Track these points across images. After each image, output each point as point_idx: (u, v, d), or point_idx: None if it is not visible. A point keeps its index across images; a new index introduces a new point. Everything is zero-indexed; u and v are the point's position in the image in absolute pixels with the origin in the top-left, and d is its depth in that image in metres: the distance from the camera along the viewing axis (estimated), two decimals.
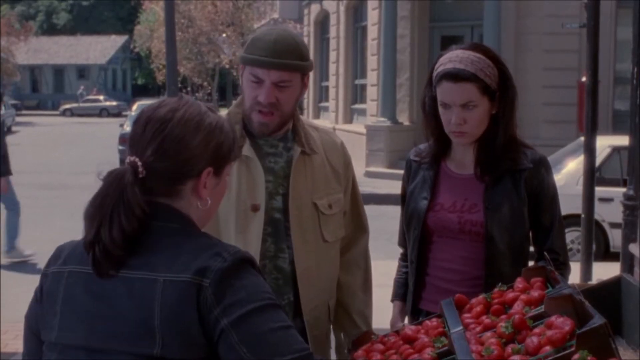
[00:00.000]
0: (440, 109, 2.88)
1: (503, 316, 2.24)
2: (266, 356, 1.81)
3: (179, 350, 1.82)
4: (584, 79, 14.56)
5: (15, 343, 7.54)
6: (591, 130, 8.17)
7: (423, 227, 3.00)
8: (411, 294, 3.10)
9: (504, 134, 2.89)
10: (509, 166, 2.88)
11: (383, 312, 7.61)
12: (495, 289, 2.43)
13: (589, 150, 8.18)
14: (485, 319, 2.26)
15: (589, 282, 8.12)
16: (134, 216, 1.90)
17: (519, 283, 2.40)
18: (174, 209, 1.98)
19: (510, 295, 2.35)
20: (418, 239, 3.02)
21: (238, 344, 1.81)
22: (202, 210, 2.04)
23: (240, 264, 1.89)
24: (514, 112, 2.93)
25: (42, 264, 9.18)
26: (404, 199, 3.16)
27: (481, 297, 2.41)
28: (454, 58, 2.85)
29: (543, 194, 2.90)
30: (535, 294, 2.28)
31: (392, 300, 3.28)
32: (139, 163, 1.96)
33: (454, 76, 2.82)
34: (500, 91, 2.87)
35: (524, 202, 2.86)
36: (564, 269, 2.85)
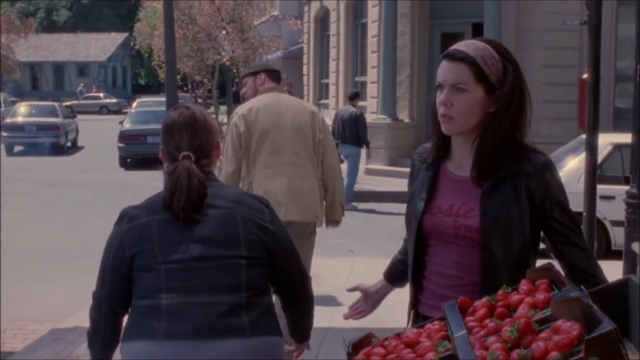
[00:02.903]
0: (437, 93, 2.81)
1: (507, 320, 2.17)
2: (303, 261, 3.39)
3: (255, 251, 3.09)
4: (584, 76, 14.55)
5: (13, 342, 7.50)
6: (593, 127, 8.10)
7: (419, 230, 2.92)
8: (411, 296, 3.03)
9: (492, 133, 2.73)
10: (509, 171, 2.74)
11: (385, 310, 7.54)
12: (500, 291, 2.36)
13: (591, 148, 8.11)
14: (489, 323, 2.19)
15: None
16: (201, 183, 3.07)
17: (524, 285, 2.33)
18: (211, 172, 3.25)
19: (515, 297, 2.28)
20: (414, 242, 2.95)
21: (288, 251, 3.24)
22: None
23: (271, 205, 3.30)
24: (512, 113, 2.76)
25: (41, 261, 9.00)
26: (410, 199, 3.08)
27: (485, 299, 2.34)
28: (460, 43, 2.80)
29: (550, 202, 2.76)
30: (540, 296, 2.21)
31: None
32: (191, 154, 3.12)
33: (450, 55, 2.76)
34: (501, 88, 2.77)
35: (524, 210, 2.73)
36: (594, 264, 2.82)
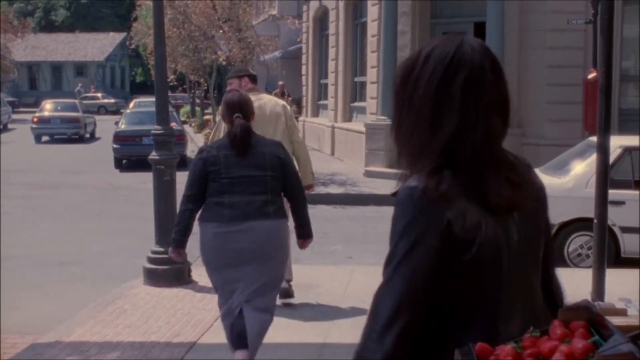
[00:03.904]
0: None
1: None
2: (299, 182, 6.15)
3: (275, 171, 5.71)
4: (590, 76, 14.20)
5: None
6: (604, 129, 7.69)
7: None
8: None
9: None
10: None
11: None
12: (526, 335, 1.93)
13: (603, 151, 7.70)
14: None
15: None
16: (247, 130, 5.73)
17: (556, 328, 1.90)
18: (250, 127, 5.82)
19: (547, 344, 1.84)
20: None
21: (291, 172, 5.95)
22: None
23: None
24: (403, 111, 2.18)
25: (27, 268, 8.48)
26: None
27: (509, 346, 1.91)
28: None
29: None
30: (578, 344, 1.79)
31: None
32: (240, 115, 5.72)
33: None
34: None
35: None
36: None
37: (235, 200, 5.60)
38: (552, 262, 2.29)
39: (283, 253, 5.97)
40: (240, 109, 5.82)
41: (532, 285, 2.15)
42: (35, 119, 35.74)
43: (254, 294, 5.76)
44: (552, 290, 2.23)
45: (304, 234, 6.17)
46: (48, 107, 37.04)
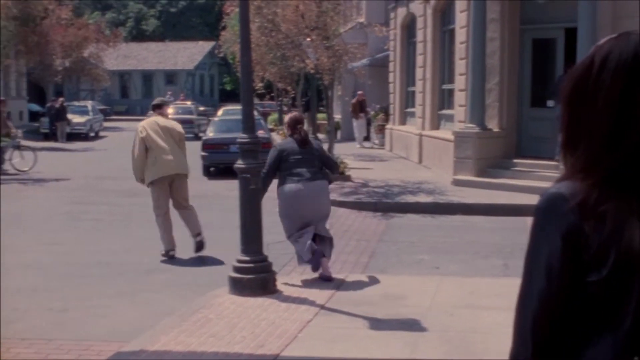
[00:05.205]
0: None
1: None
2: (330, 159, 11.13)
3: (319, 154, 10.31)
4: None
5: None
6: None
7: None
8: None
9: None
10: None
11: (475, 340, 6.72)
12: None
13: None
14: None
15: None
16: (306, 133, 10.47)
17: None
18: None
19: None
20: None
21: (324, 154, 10.63)
22: None
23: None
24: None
25: (116, 276, 8.53)
26: None
27: None
28: None
29: None
30: None
31: None
32: (302, 126, 10.37)
33: None
34: None
35: None
36: None
37: (302, 170, 9.85)
38: None
39: (329, 199, 10.43)
40: (301, 122, 10.46)
41: None
42: None
43: (320, 223, 10.06)
44: None
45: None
46: (169, 111, 41.03)
